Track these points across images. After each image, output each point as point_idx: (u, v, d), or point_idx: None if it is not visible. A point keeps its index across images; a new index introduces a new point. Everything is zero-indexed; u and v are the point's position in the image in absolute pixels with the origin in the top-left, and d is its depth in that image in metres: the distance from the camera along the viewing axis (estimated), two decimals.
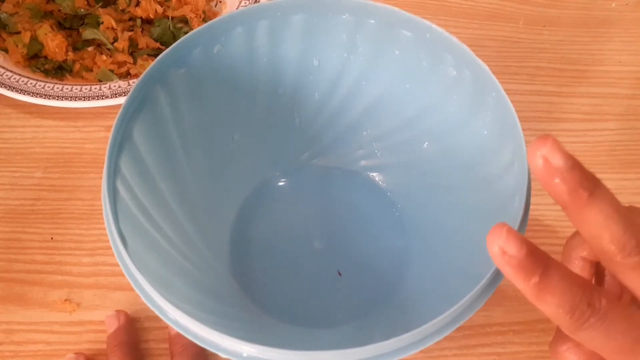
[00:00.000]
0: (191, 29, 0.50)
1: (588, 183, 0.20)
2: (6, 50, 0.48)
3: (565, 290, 0.20)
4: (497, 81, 0.30)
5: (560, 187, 0.20)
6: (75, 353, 0.35)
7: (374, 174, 0.41)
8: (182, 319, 0.25)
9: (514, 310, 0.38)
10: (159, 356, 0.36)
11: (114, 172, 0.29)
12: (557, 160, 0.20)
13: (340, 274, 0.38)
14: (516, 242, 0.20)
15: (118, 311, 0.37)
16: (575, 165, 0.20)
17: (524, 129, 0.28)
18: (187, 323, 0.25)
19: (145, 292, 0.26)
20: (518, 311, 0.38)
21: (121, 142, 0.30)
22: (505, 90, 0.30)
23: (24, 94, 0.44)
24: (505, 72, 0.50)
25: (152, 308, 0.26)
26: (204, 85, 0.35)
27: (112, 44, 0.48)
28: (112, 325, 0.36)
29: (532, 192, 0.28)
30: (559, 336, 0.24)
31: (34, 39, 0.48)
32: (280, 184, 0.41)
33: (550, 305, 0.20)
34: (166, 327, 0.37)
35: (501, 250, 0.20)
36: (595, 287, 0.21)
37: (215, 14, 0.53)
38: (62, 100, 0.44)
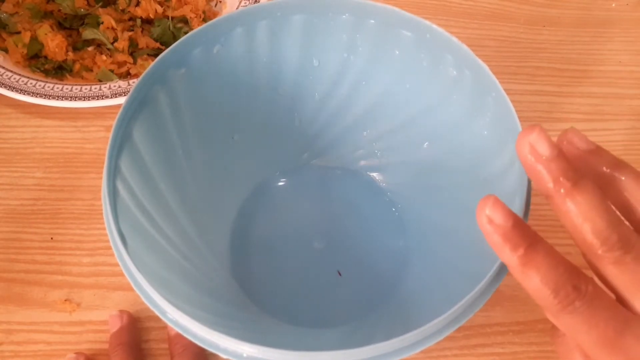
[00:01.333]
0: (191, 29, 0.50)
1: (572, 173, 0.21)
2: (6, 50, 0.48)
3: (551, 267, 0.20)
4: (497, 81, 0.30)
5: (544, 175, 0.21)
6: (76, 353, 0.35)
7: (374, 174, 0.41)
8: (181, 319, 0.25)
9: (514, 310, 0.38)
10: (160, 356, 0.36)
11: (113, 172, 0.29)
12: (543, 149, 0.21)
13: (340, 274, 0.38)
14: (503, 212, 0.21)
15: (121, 311, 0.37)
16: (560, 155, 0.21)
17: None
18: (187, 323, 0.25)
19: (145, 292, 0.26)
20: (518, 311, 0.38)
21: (121, 142, 0.30)
22: (505, 90, 0.30)
23: (24, 94, 0.44)
24: (505, 72, 0.50)
25: (151, 308, 0.26)
26: (204, 85, 0.35)
27: (112, 44, 0.48)
28: (115, 325, 0.36)
29: (532, 192, 0.28)
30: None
31: (34, 39, 0.48)
32: (280, 184, 0.41)
33: (534, 282, 0.20)
34: (166, 327, 0.37)
35: (488, 219, 0.21)
36: (582, 273, 0.21)
37: (215, 14, 0.53)
38: (62, 100, 0.44)
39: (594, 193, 0.21)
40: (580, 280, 0.20)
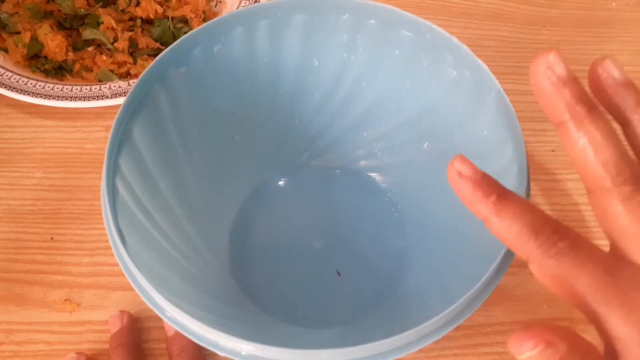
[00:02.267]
0: (191, 29, 0.50)
1: (588, 99, 0.20)
2: (6, 50, 0.48)
3: (527, 211, 0.20)
4: (497, 81, 0.30)
5: (560, 100, 0.20)
6: (77, 353, 0.35)
7: (374, 174, 0.41)
8: (180, 317, 0.25)
9: (514, 309, 0.38)
10: (160, 356, 0.36)
11: (113, 170, 0.29)
12: (560, 70, 0.20)
13: (339, 274, 0.38)
14: (472, 166, 0.21)
15: (122, 311, 0.37)
16: (577, 80, 0.20)
17: (523, 129, 0.28)
18: (186, 321, 0.25)
19: (144, 290, 0.26)
20: (518, 311, 0.38)
21: (121, 141, 0.30)
22: (505, 90, 0.30)
23: (24, 94, 0.44)
24: (505, 72, 0.50)
25: (151, 307, 0.26)
26: (204, 85, 0.35)
27: (112, 44, 0.48)
28: (115, 326, 0.36)
29: (532, 192, 0.28)
30: None
31: (34, 39, 0.48)
32: (280, 184, 0.41)
33: (513, 228, 0.20)
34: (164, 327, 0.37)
35: (457, 172, 0.21)
36: (558, 221, 0.20)
37: (215, 14, 0.53)
38: (62, 100, 0.44)
39: (608, 124, 0.20)
40: (558, 224, 0.20)
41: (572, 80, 0.20)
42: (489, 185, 0.20)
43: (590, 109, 0.20)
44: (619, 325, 0.19)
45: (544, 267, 0.20)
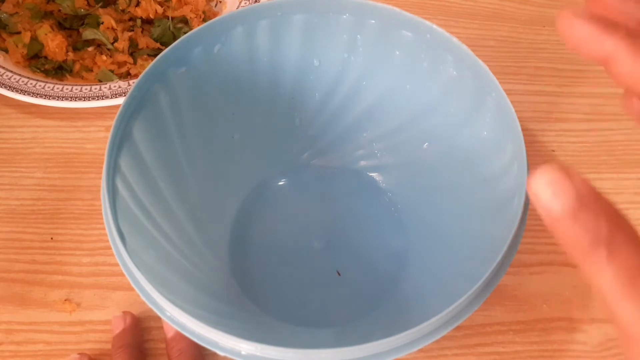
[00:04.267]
0: (191, 29, 0.50)
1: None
2: (6, 50, 0.48)
3: None
4: (497, 81, 0.30)
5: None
6: (79, 353, 0.35)
7: (374, 174, 0.41)
8: (180, 317, 0.25)
9: (514, 309, 0.38)
10: (160, 356, 0.36)
11: (113, 170, 0.29)
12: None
13: (339, 274, 0.38)
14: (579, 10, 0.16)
15: (125, 312, 0.37)
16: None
17: (523, 129, 0.28)
18: (185, 321, 0.25)
19: (144, 290, 0.26)
20: (518, 310, 0.38)
21: (121, 140, 0.30)
22: (505, 90, 0.30)
23: (24, 94, 0.44)
24: (505, 72, 0.50)
25: (150, 306, 0.26)
26: (204, 85, 0.35)
27: (112, 44, 0.48)
28: (118, 327, 0.36)
29: None
30: None
31: (34, 39, 0.48)
32: (280, 184, 0.41)
33: None
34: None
35: (568, 21, 0.16)
36: None
37: (215, 14, 0.53)
38: (62, 100, 0.44)
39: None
40: None
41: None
42: (611, 25, 0.16)
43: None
44: None
45: None
